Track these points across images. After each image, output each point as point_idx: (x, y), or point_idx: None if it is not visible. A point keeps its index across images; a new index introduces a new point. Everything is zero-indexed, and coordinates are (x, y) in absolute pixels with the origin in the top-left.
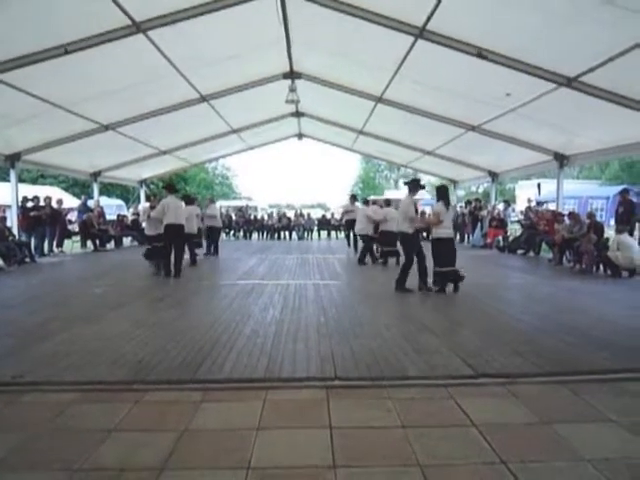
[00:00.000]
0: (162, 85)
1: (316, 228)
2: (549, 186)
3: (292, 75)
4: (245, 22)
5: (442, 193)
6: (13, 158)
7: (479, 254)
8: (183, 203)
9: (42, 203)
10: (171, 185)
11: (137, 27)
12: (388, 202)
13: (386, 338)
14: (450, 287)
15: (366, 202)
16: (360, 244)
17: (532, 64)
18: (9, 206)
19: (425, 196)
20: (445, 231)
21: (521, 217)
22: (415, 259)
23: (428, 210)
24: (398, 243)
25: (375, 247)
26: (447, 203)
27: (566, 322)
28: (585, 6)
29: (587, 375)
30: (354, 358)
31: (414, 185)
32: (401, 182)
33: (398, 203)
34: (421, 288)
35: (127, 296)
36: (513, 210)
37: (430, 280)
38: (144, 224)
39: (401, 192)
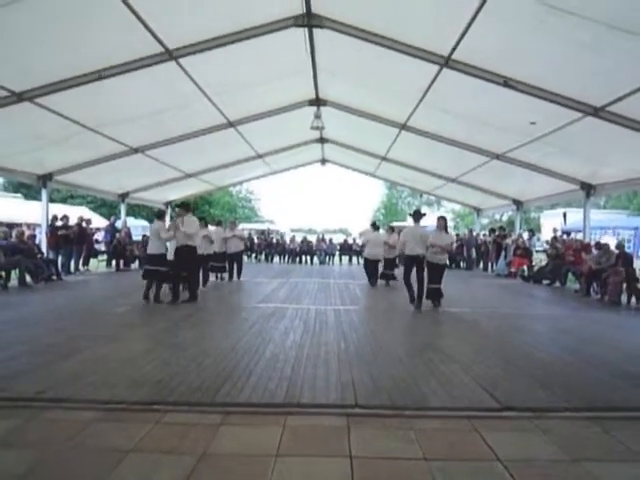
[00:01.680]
0: (191, 110)
1: (338, 253)
2: (575, 216)
3: (317, 102)
4: (273, 51)
5: (446, 224)
6: (45, 178)
7: (503, 283)
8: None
9: (72, 222)
10: (189, 204)
11: (169, 54)
12: (392, 229)
13: (407, 366)
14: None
15: (377, 228)
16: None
17: (558, 93)
18: (39, 225)
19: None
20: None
21: (546, 246)
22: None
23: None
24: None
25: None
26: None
27: (594, 355)
28: (610, 36)
29: (618, 412)
30: (375, 385)
31: (418, 215)
32: (423, 210)
33: (400, 230)
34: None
35: (149, 316)
36: (538, 239)
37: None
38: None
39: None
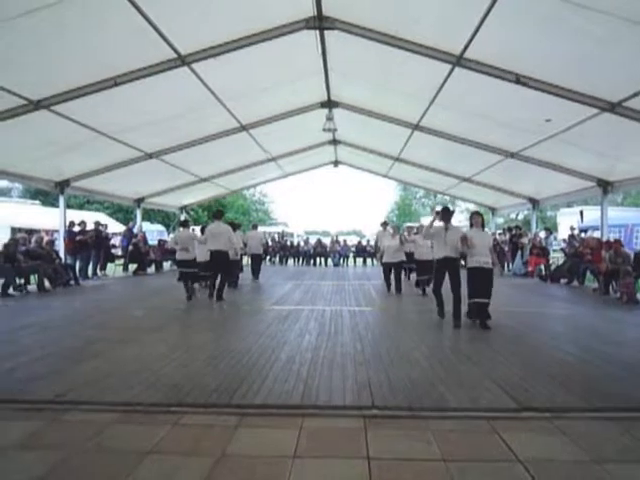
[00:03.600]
0: (204, 115)
1: (352, 255)
2: (592, 213)
3: (329, 104)
4: (285, 54)
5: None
6: (62, 185)
7: (520, 283)
8: (229, 228)
9: (89, 228)
10: (217, 212)
11: (182, 60)
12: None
13: (424, 367)
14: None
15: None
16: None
17: (573, 89)
18: (57, 230)
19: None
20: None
21: (563, 245)
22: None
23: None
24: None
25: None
26: None
27: (614, 355)
28: (625, 30)
29: (638, 412)
30: (392, 387)
31: (447, 215)
32: (437, 208)
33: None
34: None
35: (165, 319)
36: (555, 238)
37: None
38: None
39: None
